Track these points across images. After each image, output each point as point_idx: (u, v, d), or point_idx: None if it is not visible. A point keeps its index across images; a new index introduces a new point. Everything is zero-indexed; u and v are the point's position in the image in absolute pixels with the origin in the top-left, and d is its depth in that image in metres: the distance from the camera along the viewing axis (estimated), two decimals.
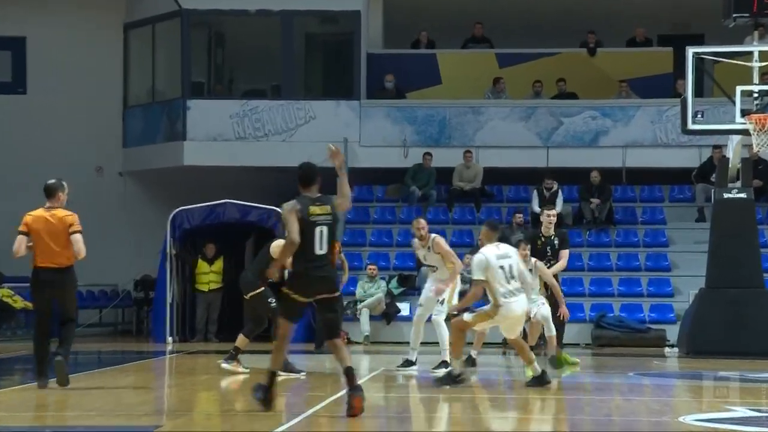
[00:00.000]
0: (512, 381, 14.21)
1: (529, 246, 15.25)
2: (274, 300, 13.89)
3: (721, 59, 19.16)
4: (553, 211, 16.62)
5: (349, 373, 10.36)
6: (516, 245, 13.92)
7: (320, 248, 10.49)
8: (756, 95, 18.02)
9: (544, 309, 14.98)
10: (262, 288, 14.24)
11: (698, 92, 19.38)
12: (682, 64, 18.97)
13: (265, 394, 10.53)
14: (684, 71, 18.50)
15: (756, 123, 17.95)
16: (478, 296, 12.66)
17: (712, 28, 21.54)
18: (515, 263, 12.67)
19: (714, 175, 20.76)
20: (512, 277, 12.48)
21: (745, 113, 18.00)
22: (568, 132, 24.63)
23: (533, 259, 15.20)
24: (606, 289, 22.22)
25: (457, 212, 24.27)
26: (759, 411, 10.76)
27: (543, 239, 15.99)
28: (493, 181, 24.67)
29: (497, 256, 12.56)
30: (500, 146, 24.50)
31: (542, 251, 15.81)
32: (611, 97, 24.94)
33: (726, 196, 19.08)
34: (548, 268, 15.54)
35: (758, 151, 18.58)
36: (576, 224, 23.40)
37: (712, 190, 20.11)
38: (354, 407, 10.18)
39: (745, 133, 18.27)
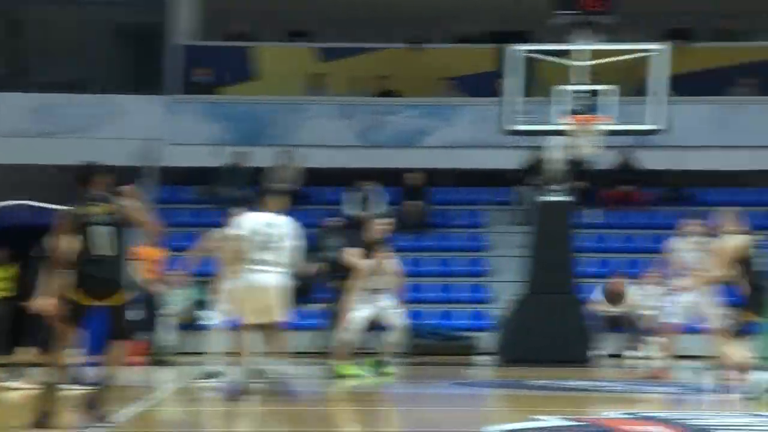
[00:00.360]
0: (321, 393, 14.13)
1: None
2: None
3: (545, 58, 19.25)
4: (387, 220, 16.59)
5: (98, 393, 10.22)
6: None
7: (101, 249, 10.24)
8: (580, 95, 18.22)
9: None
10: None
11: (521, 91, 19.58)
12: (507, 63, 19.05)
13: (44, 409, 10.21)
14: (507, 69, 18.59)
15: (579, 124, 18.19)
16: None
17: (538, 25, 21.70)
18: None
19: (536, 178, 20.98)
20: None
21: (568, 113, 18.21)
22: (391, 131, 24.64)
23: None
24: (423, 296, 22.26)
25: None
26: (566, 419, 10.85)
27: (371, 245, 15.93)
28: (313, 182, 24.52)
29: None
30: (321, 145, 24.34)
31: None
32: (435, 95, 25.06)
33: (548, 198, 19.26)
34: None
35: (581, 153, 18.83)
36: (395, 227, 23.35)
37: (535, 193, 20.31)
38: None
39: (568, 134, 18.48)
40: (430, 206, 23.65)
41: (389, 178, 23.53)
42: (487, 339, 20.53)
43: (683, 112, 22.56)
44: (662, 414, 11.67)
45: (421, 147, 24.39)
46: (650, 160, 23.58)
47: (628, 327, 19.81)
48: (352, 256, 15.56)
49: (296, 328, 20.99)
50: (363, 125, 24.57)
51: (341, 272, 20.13)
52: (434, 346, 20.61)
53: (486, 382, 16.40)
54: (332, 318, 20.37)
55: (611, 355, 19.60)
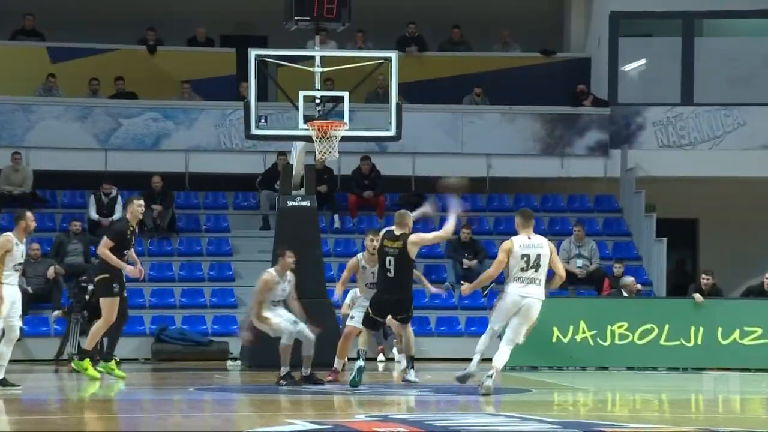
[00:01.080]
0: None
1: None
2: None
3: (284, 63, 19.47)
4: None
5: None
6: None
7: None
8: (318, 101, 18.44)
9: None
10: None
11: (262, 96, 19.60)
12: (245, 67, 19.10)
13: None
14: (247, 74, 18.72)
15: (318, 130, 18.40)
16: None
17: (276, 31, 21.89)
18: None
19: (278, 182, 21.22)
20: None
21: (308, 119, 18.39)
22: (128, 134, 24.37)
23: None
24: (168, 301, 22.21)
25: (5, 218, 23.49)
26: (317, 423, 11.08)
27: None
28: (47, 185, 24.11)
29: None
30: (54, 148, 23.92)
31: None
32: (173, 98, 24.99)
33: (290, 203, 19.52)
34: None
35: (322, 158, 19.10)
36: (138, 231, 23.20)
37: (277, 198, 20.52)
38: None
39: (308, 139, 18.61)
40: (173, 210, 23.57)
41: (131, 181, 23.38)
42: (232, 344, 20.68)
43: (418, 119, 23.32)
44: (410, 416, 12.07)
45: (162, 150, 24.31)
46: (389, 166, 24.22)
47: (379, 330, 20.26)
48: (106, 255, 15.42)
49: (35, 335, 20.80)
50: (100, 128, 24.29)
51: (83, 276, 20.02)
52: (180, 351, 20.64)
53: (234, 387, 16.54)
54: (69, 323, 20.23)
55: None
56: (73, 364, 15.98)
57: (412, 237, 14.91)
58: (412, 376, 15.65)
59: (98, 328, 15.68)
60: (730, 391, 16.01)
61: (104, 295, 15.65)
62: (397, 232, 14.89)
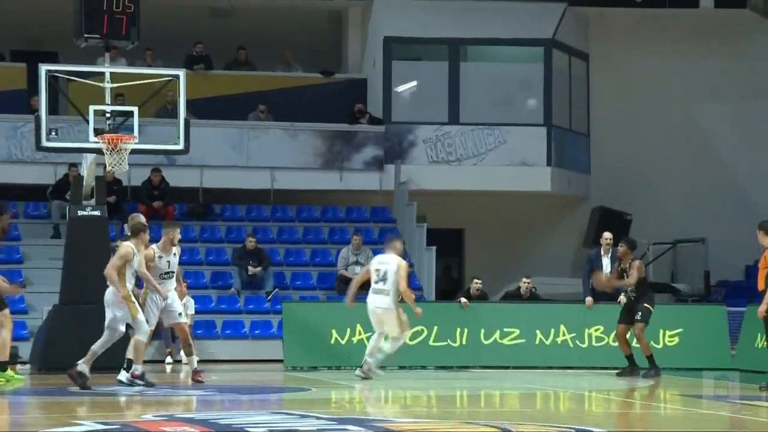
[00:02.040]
0: None
1: None
2: None
3: (74, 78, 19.17)
4: None
5: None
6: None
7: None
8: (108, 115, 18.21)
9: None
10: None
11: (52, 110, 19.29)
12: (35, 81, 18.66)
13: None
14: (38, 88, 18.32)
15: (108, 143, 18.16)
16: None
17: (66, 47, 21.43)
18: None
19: (69, 193, 20.78)
20: None
21: (98, 132, 18.13)
22: None
23: None
24: None
25: None
26: (104, 424, 10.92)
27: None
28: None
29: None
30: None
31: None
32: None
33: (80, 213, 19.13)
34: None
35: (112, 170, 18.81)
36: None
37: (67, 207, 20.10)
38: None
39: (98, 152, 18.38)
40: None
41: None
42: (22, 348, 20.13)
43: (206, 134, 23.19)
44: (196, 415, 11.97)
45: None
46: (178, 178, 24.00)
47: (166, 333, 20.01)
48: None
49: None
50: None
51: None
52: None
53: (24, 390, 16.08)
54: None
55: (153, 361, 19.70)
56: None
57: None
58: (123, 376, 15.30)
59: None
60: (490, 387, 16.38)
61: None
62: None
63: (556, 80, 25.91)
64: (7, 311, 15.45)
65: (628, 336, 17.73)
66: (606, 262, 19.09)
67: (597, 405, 14.34)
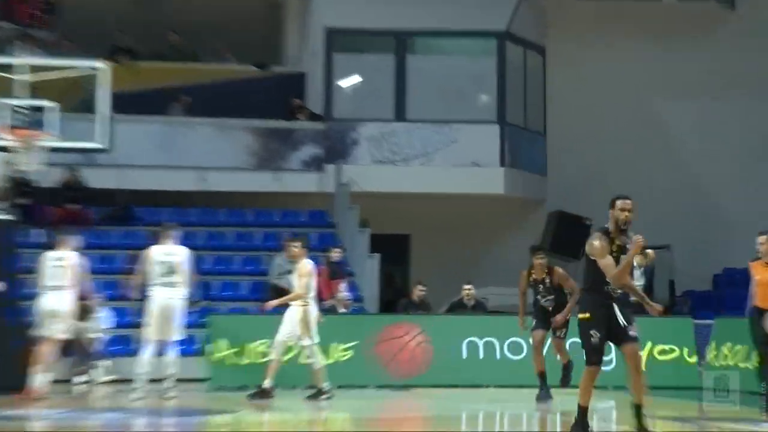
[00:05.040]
0: None
1: None
2: None
3: None
4: None
5: None
6: None
7: None
8: (20, 110, 17.75)
9: None
10: None
11: None
12: None
13: None
14: None
15: (20, 139, 17.70)
16: None
17: None
18: None
19: None
20: None
21: (8, 128, 17.70)
22: None
23: None
24: None
25: None
26: None
27: None
28: None
29: None
30: None
31: None
32: None
33: None
34: None
35: (23, 169, 18.37)
36: None
37: None
38: None
39: (9, 149, 17.97)
40: None
41: None
42: None
43: (128, 131, 22.60)
44: None
45: None
46: (96, 179, 23.36)
47: (78, 351, 19.34)
48: None
49: None
50: None
51: None
52: None
53: None
54: None
55: (59, 381, 19.01)
56: None
57: None
58: None
59: None
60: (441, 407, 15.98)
61: None
62: None
63: (510, 75, 25.51)
64: None
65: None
66: None
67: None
